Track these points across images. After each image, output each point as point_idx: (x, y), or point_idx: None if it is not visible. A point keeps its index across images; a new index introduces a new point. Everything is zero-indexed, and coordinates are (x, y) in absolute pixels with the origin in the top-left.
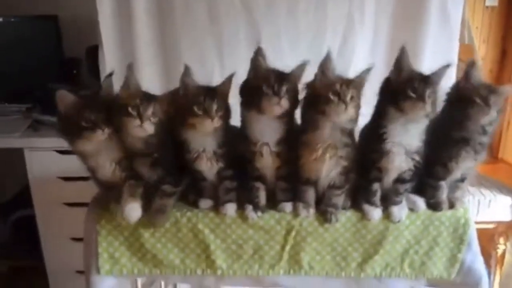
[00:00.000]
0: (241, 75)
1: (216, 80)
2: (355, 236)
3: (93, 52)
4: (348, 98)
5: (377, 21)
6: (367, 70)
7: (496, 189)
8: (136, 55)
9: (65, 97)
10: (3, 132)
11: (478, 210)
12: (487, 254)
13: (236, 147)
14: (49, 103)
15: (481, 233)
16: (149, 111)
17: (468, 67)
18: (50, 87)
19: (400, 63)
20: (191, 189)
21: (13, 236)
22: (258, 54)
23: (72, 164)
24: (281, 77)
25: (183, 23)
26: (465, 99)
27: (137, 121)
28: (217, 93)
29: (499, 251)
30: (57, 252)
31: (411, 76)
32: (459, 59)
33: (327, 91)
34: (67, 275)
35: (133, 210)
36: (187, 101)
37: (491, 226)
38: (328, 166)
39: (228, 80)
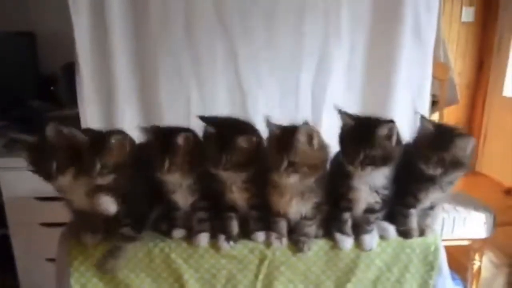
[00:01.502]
0: (217, 92)
1: (193, 97)
2: (327, 265)
3: (70, 68)
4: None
5: (353, 40)
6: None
7: (471, 206)
8: (112, 71)
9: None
10: None
11: (453, 227)
12: (463, 269)
13: (209, 181)
14: (26, 121)
15: (457, 248)
16: (96, 167)
17: (421, 123)
18: (28, 104)
19: (348, 115)
20: (163, 218)
21: None
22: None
23: (49, 184)
24: (224, 148)
25: (159, 38)
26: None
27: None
28: (177, 152)
29: (475, 267)
30: (32, 272)
31: (350, 134)
32: (435, 77)
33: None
34: None
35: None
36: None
37: (466, 243)
38: (296, 207)
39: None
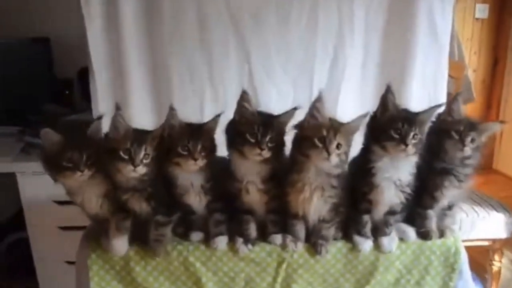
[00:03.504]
0: (231, 93)
1: (207, 97)
2: (346, 267)
3: (85, 73)
4: (333, 146)
5: (367, 38)
6: (362, 117)
7: (490, 206)
8: (125, 73)
9: (49, 135)
10: None
11: (472, 228)
12: (482, 269)
13: (223, 182)
14: (42, 125)
15: (475, 249)
16: (141, 154)
17: (451, 101)
18: (44, 108)
19: (386, 101)
20: (181, 222)
21: (8, 258)
22: (243, 99)
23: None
24: (266, 125)
25: (171, 39)
26: (443, 132)
27: (130, 166)
28: (203, 133)
29: (495, 268)
30: (52, 275)
31: (396, 115)
32: (450, 76)
33: (314, 135)
34: None
35: (120, 244)
36: (172, 141)
37: (485, 243)
38: (315, 206)
39: (215, 119)
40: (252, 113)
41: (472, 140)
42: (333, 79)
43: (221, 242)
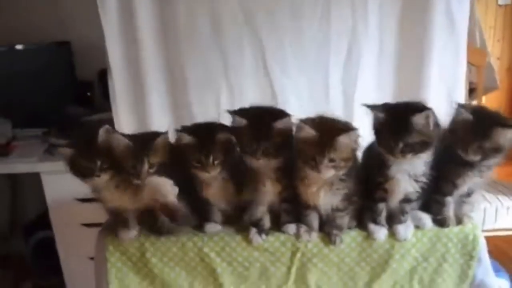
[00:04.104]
0: (247, 92)
1: (222, 95)
2: (361, 256)
3: (105, 74)
4: (323, 165)
5: (382, 31)
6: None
7: None
8: (142, 77)
9: (64, 151)
10: (21, 157)
11: (496, 217)
12: (508, 260)
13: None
14: (65, 126)
15: (501, 239)
16: (145, 167)
17: (458, 110)
18: (66, 110)
19: (378, 107)
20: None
21: (35, 256)
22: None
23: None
24: (259, 136)
25: (187, 39)
26: (453, 137)
27: (136, 180)
28: (215, 144)
29: None
30: (77, 272)
31: (385, 125)
32: (472, 64)
33: (304, 151)
34: None
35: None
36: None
37: (510, 233)
38: (325, 199)
39: (225, 132)
40: (244, 127)
41: (479, 147)
42: (348, 74)
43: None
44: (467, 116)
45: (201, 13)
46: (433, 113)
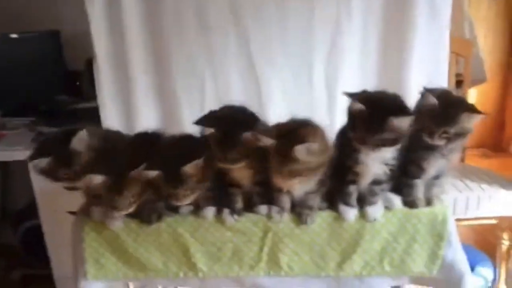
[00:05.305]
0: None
1: (208, 88)
2: (332, 236)
3: (92, 64)
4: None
5: (365, 20)
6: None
7: (498, 184)
8: (128, 66)
9: (38, 164)
10: (10, 145)
11: (479, 205)
12: (492, 249)
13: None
14: (53, 115)
15: (484, 228)
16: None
17: (424, 93)
18: (56, 99)
19: (358, 98)
20: None
21: (24, 245)
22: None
23: None
24: (229, 143)
25: (172, 28)
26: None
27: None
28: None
29: (504, 247)
30: (63, 259)
31: (364, 114)
32: (459, 55)
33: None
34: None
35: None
36: None
37: (493, 221)
38: (297, 187)
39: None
40: (213, 135)
41: (444, 132)
42: (333, 64)
43: (209, 212)
44: (433, 100)
45: (187, 3)
46: (412, 117)
